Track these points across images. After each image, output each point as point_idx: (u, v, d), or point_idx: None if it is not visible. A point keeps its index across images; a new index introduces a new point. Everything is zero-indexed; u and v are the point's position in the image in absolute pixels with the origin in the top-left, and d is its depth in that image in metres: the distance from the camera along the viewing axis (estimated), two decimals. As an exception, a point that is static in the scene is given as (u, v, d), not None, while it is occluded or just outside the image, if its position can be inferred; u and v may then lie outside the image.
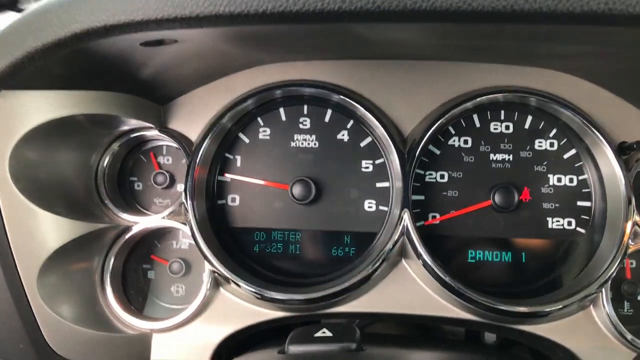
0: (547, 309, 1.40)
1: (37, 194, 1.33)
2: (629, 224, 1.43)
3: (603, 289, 1.42)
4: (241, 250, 1.60)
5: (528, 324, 1.46)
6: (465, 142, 1.58)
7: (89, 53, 1.12)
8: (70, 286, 1.42)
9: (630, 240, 1.43)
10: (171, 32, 1.04)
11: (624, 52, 1.27)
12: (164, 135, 1.56)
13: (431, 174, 1.58)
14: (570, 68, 1.51)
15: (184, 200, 1.50)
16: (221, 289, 1.53)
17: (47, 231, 1.33)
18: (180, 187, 1.62)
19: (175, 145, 1.57)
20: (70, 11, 0.94)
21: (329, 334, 1.11)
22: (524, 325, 1.46)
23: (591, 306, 1.46)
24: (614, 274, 1.42)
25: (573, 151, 1.57)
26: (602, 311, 1.43)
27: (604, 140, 1.47)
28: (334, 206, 1.58)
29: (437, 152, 1.58)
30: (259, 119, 1.61)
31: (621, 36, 1.09)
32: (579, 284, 1.45)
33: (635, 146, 1.44)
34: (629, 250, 1.44)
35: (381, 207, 1.57)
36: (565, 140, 1.57)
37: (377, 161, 1.58)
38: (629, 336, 1.43)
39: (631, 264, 1.56)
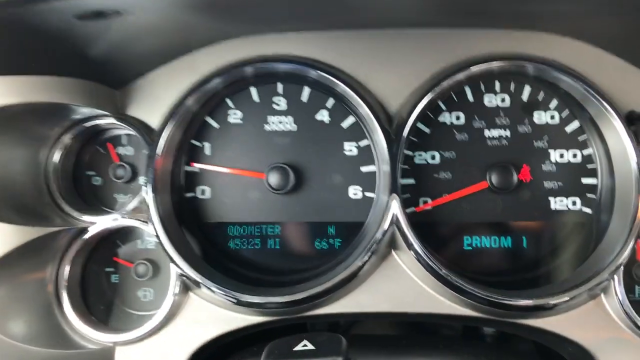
0: (555, 301, 1.28)
1: (-27, 197, 1.17)
2: (642, 202, 1.31)
3: (615, 275, 1.30)
4: (214, 248, 1.48)
5: (533, 318, 1.33)
6: (458, 118, 1.47)
7: (14, 29, 0.95)
8: (19, 300, 1.29)
9: (642, 220, 1.31)
10: (108, 0, 0.87)
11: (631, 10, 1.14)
12: (121, 123, 1.42)
13: (421, 155, 1.47)
14: (572, 31, 1.39)
15: (145, 195, 1.37)
16: (191, 293, 1.39)
17: (-14, 239, 1.18)
18: (143, 180, 1.46)
19: (134, 133, 1.42)
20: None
21: (310, 346, 0.96)
22: (529, 319, 1.33)
23: (602, 294, 1.34)
24: (627, 258, 1.30)
25: (576, 123, 1.46)
26: (614, 299, 1.31)
27: (610, 109, 1.35)
28: (316, 194, 1.47)
29: (427, 130, 1.46)
30: (228, 100, 1.49)
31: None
32: (588, 270, 1.34)
33: (645, 115, 1.32)
34: (642, 231, 1.32)
35: (367, 194, 1.46)
36: (567, 111, 1.46)
37: (362, 143, 1.47)
38: (640, 323, 1.31)
39: (642, 244, 1.44)
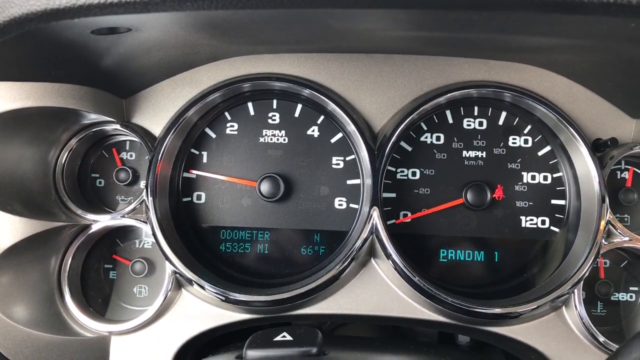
0: (519, 310, 1.37)
1: (-15, 190, 1.26)
2: (603, 223, 1.40)
3: (575, 290, 1.39)
4: (207, 249, 1.55)
5: (500, 326, 1.43)
6: (438, 138, 1.55)
7: (36, 41, 1.05)
8: (23, 287, 1.35)
9: (603, 240, 1.41)
10: (120, 18, 0.98)
11: (597, 46, 1.25)
12: (126, 130, 1.50)
13: (403, 171, 1.54)
14: (546, 63, 1.48)
15: (145, 198, 1.45)
16: (183, 290, 1.47)
17: (-4, 229, 1.27)
18: (144, 184, 1.56)
19: (137, 140, 1.51)
20: (8, -6, 0.88)
21: (289, 337, 1.06)
22: (496, 327, 1.42)
23: (563, 307, 1.43)
24: (587, 273, 1.39)
25: (548, 148, 1.54)
26: (574, 312, 1.40)
27: (578, 137, 1.44)
28: (304, 204, 1.54)
29: (409, 148, 1.54)
30: (226, 113, 1.56)
31: (592, 27, 1.05)
32: (551, 284, 1.42)
33: (609, 143, 1.42)
34: (602, 250, 1.41)
35: (352, 205, 1.53)
36: (540, 137, 1.54)
37: (348, 158, 1.54)
38: (602, 338, 1.40)
39: (605, 263, 1.54)
